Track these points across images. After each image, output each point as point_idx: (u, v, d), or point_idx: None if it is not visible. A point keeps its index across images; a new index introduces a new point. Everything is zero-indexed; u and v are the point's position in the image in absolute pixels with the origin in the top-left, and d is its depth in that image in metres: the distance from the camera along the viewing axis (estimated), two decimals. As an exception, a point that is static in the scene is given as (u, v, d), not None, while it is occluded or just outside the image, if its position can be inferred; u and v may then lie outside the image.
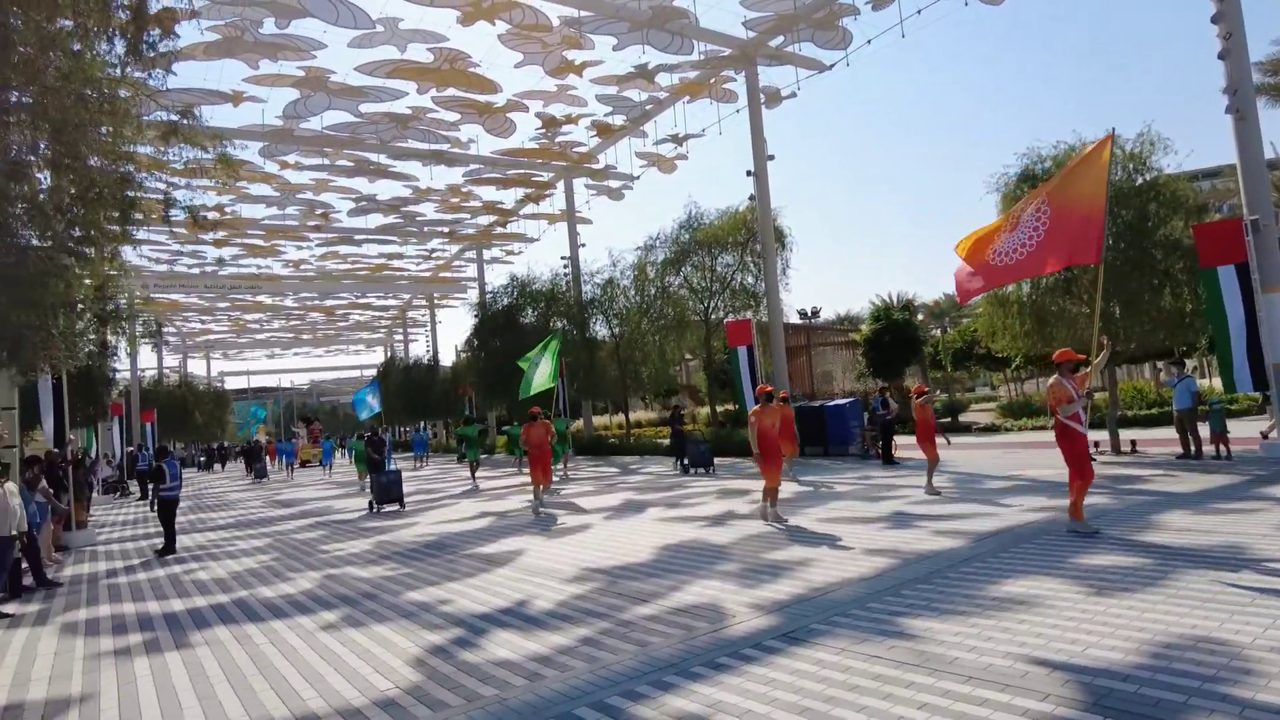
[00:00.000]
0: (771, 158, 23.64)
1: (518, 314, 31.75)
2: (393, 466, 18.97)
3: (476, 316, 33.60)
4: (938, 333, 45.81)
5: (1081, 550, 7.01)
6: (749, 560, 7.88)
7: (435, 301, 54.90)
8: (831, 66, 22.37)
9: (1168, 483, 10.79)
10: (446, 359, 50.18)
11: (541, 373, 18.33)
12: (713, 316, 27.56)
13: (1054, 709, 3.75)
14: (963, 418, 27.37)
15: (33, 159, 6.31)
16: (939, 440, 11.98)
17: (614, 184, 32.70)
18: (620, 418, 39.39)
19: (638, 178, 31.69)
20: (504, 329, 31.11)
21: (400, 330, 64.51)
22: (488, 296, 35.04)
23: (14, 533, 8.64)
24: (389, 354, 65.26)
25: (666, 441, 27.00)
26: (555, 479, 16.60)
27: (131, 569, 10.84)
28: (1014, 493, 10.83)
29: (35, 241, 6.16)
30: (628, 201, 46.11)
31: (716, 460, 19.37)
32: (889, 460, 16.57)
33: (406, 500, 16.78)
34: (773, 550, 8.29)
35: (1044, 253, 8.49)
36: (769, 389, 10.81)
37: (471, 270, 46.11)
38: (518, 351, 29.74)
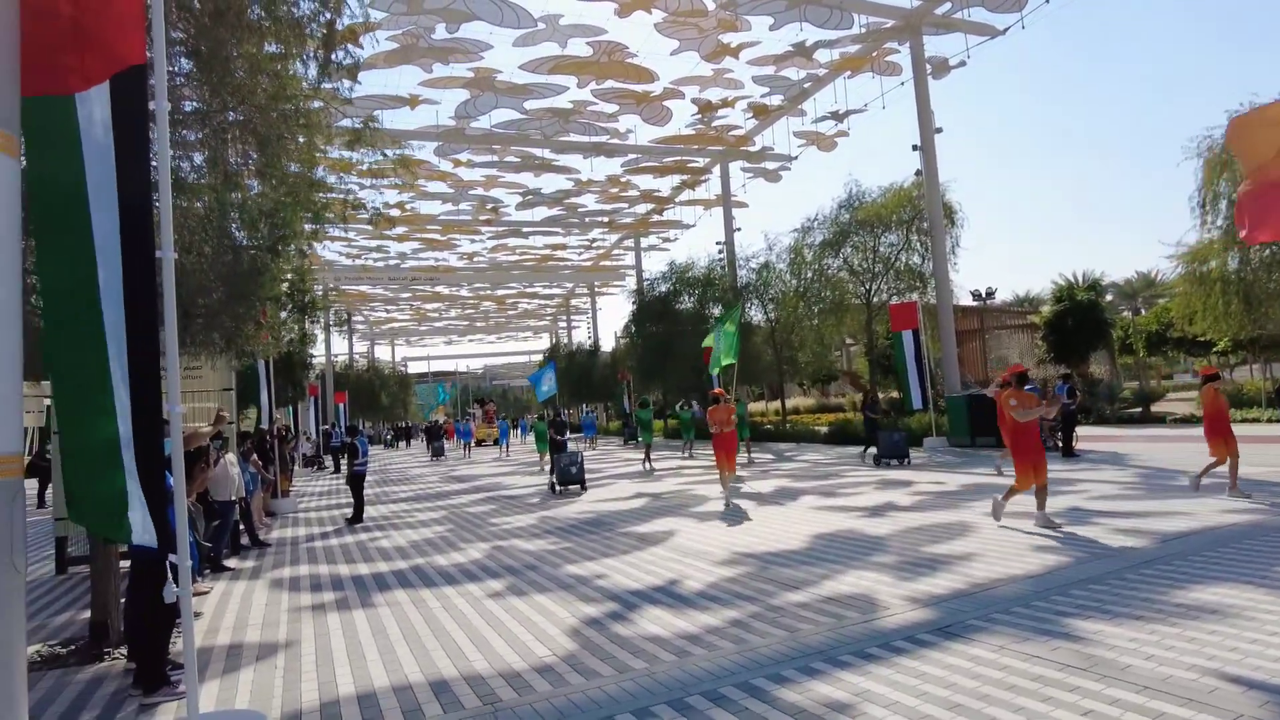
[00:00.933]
0: (939, 130, 22.42)
1: (674, 300, 32.12)
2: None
3: (634, 303, 34.35)
4: (1128, 314, 41.71)
5: (1295, 558, 6.24)
6: (907, 553, 7.63)
7: (596, 289, 56.63)
8: (1005, 31, 20.86)
9: None
10: (606, 345, 51.70)
11: (721, 347, 17.12)
12: (875, 299, 26.59)
13: (1245, 729, 3.40)
14: (1156, 407, 24.81)
15: (244, 169, 7.13)
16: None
17: (771, 166, 32.22)
18: (776, 403, 38.94)
19: (795, 158, 31.05)
20: (661, 315, 31.60)
21: (564, 317, 67.09)
22: (645, 283, 35.72)
23: (234, 498, 9.89)
24: (554, 340, 68.04)
25: (824, 429, 26.43)
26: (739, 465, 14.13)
27: (326, 535, 12.07)
28: (1212, 491, 9.74)
29: (245, 242, 7.02)
30: (785, 183, 45.36)
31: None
32: (1069, 453, 15.40)
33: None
34: (933, 544, 7.97)
35: None
36: (1023, 368, 9.11)
37: (630, 258, 47.14)
38: (674, 337, 30.16)
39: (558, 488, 15.85)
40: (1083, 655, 4.41)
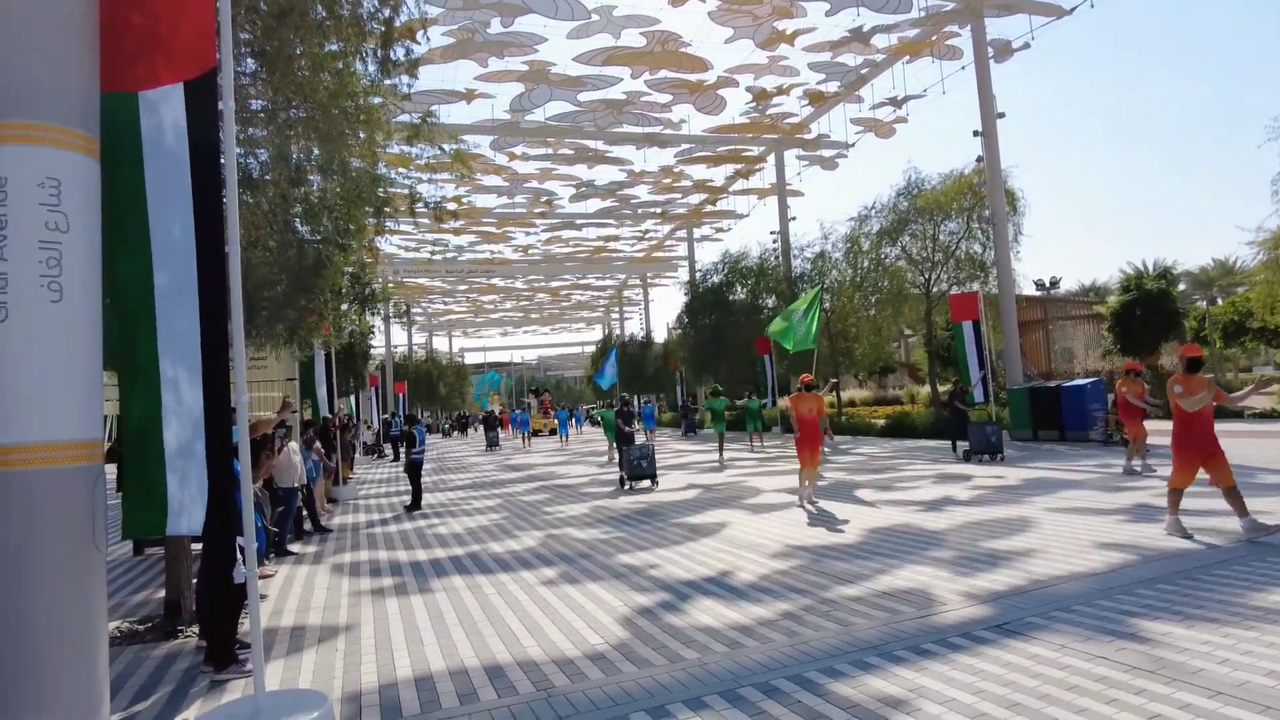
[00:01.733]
0: (1001, 115, 21.79)
1: (727, 291, 31.94)
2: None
3: (687, 294, 34.28)
4: (1203, 304, 39.93)
5: (1384, 560, 5.91)
6: (965, 548, 7.47)
7: (648, 281, 56.69)
8: (1072, 11, 20.09)
9: None
10: (659, 336, 51.74)
11: (801, 330, 16.50)
12: (934, 289, 25.99)
13: (1326, 738, 3.25)
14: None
15: (307, 165, 7.33)
16: None
17: (827, 153, 31.70)
18: (831, 396, 38.45)
19: (852, 145, 30.47)
20: (713, 306, 31.47)
21: (617, 309, 67.34)
22: (698, 274, 35.60)
23: (297, 485, 10.20)
24: (606, 331, 68.39)
25: (881, 422, 25.99)
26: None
27: (385, 521, 12.37)
28: (1297, 489, 9.30)
29: (308, 236, 7.23)
30: (841, 171, 44.68)
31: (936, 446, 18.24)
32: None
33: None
34: (991, 539, 7.80)
35: None
36: (1199, 351, 8.04)
37: (682, 249, 47.02)
38: (727, 328, 29.98)
39: (628, 483, 14.93)
40: (1150, 657, 4.27)
